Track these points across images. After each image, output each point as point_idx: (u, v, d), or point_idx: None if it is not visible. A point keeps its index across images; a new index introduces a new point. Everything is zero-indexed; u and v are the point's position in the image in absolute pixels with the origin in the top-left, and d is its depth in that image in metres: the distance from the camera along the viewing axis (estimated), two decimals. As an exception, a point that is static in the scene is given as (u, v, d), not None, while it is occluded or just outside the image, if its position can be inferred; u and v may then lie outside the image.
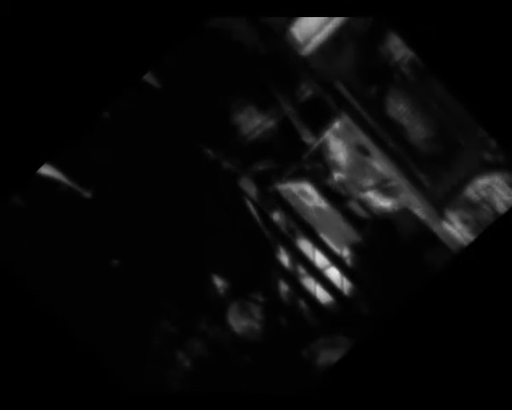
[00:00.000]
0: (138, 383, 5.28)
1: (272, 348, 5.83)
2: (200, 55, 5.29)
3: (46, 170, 5.63)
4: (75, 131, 3.55)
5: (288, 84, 4.92)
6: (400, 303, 3.64)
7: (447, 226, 4.56)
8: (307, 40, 4.46)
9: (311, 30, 4.41)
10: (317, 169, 5.18)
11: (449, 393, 3.39)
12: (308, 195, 5.41)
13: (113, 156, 5.77)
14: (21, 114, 3.46)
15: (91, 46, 3.45)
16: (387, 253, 5.26)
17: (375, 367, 3.50)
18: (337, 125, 4.72)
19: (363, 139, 4.55)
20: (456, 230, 4.53)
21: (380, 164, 4.62)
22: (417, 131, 4.39)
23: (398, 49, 4.09)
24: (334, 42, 4.43)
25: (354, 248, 5.51)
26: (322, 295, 6.03)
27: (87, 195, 5.82)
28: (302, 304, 6.07)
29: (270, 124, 5.30)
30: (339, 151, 4.88)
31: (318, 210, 5.47)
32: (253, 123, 5.37)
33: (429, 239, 4.85)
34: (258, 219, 5.85)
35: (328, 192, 5.26)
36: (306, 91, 4.82)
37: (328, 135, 4.84)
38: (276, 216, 5.89)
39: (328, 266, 5.92)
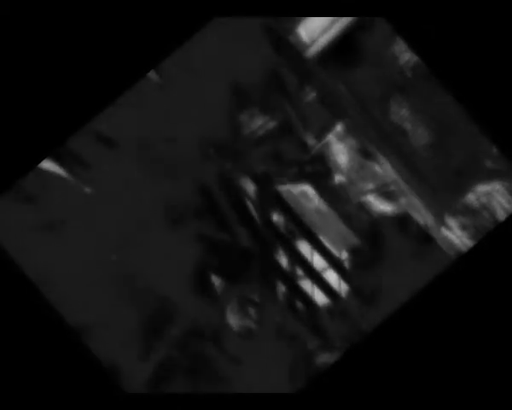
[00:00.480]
0: (137, 383, 5.28)
1: (269, 348, 5.83)
2: (203, 54, 5.30)
3: (47, 164, 5.63)
4: (76, 127, 3.56)
5: (292, 86, 4.92)
6: (398, 308, 3.65)
7: (446, 232, 4.57)
8: (312, 42, 4.47)
9: (315, 32, 4.41)
10: (318, 171, 5.18)
11: (443, 397, 3.40)
12: (308, 196, 5.42)
13: (113, 152, 5.78)
14: (22, 112, 3.47)
15: (94, 44, 3.45)
16: (385, 256, 5.26)
17: (371, 370, 3.50)
18: (339, 127, 4.73)
19: (365, 143, 4.56)
20: (456, 236, 4.54)
21: (381, 168, 4.63)
22: (419, 136, 4.40)
23: (402, 53, 4.10)
24: (339, 44, 4.44)
25: (353, 250, 5.52)
26: (319, 297, 6.04)
27: (87, 190, 5.82)
28: (299, 305, 6.07)
29: (272, 124, 5.30)
30: (340, 154, 4.89)
31: (318, 212, 5.47)
32: (255, 123, 5.37)
33: (428, 244, 4.86)
34: (257, 219, 5.85)
35: (328, 194, 5.26)
36: (310, 93, 4.83)
37: (331, 137, 4.85)
38: (276, 217, 5.89)
39: (326, 269, 5.92)
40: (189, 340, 5.73)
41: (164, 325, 5.74)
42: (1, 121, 3.47)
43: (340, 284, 5.86)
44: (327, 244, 5.76)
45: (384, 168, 4.59)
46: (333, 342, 5.78)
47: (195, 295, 5.92)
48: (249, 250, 5.94)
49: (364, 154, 4.69)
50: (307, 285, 6.09)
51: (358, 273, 5.58)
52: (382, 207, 4.94)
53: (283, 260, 6.08)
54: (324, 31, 4.32)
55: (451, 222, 4.49)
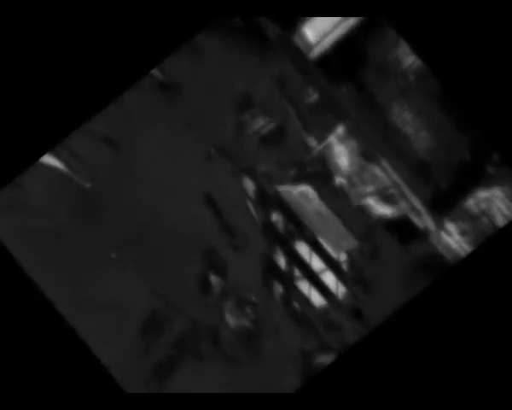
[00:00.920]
0: (136, 383, 5.28)
1: (265, 348, 5.83)
2: (207, 54, 5.30)
3: (48, 159, 5.63)
4: (78, 123, 3.56)
5: (295, 87, 4.93)
6: (395, 311, 3.65)
7: (445, 236, 4.57)
8: (316, 43, 4.48)
9: (320, 33, 4.42)
10: (319, 173, 5.19)
11: (439, 399, 3.40)
12: (308, 198, 5.42)
13: (115, 148, 5.78)
14: (22, 109, 3.47)
15: (94, 43, 3.45)
16: (384, 260, 5.27)
17: (367, 371, 3.51)
18: (341, 129, 4.73)
19: (367, 145, 4.56)
20: (455, 240, 4.54)
21: (381, 171, 4.63)
22: (421, 139, 4.40)
23: (406, 56, 4.11)
24: (343, 47, 4.44)
25: (351, 253, 5.52)
26: (316, 298, 6.04)
27: (87, 185, 5.82)
28: (296, 306, 6.07)
29: (274, 125, 5.31)
30: (341, 156, 4.89)
31: (318, 214, 5.47)
32: (257, 123, 5.37)
33: (427, 248, 4.87)
34: (257, 219, 5.85)
35: (328, 196, 5.27)
36: (312, 94, 4.83)
37: (332, 139, 4.85)
38: (275, 217, 5.90)
39: (324, 270, 5.92)
40: (189, 339, 5.74)
41: (164, 325, 5.74)
42: (2, 118, 3.47)
43: (337, 286, 5.86)
44: (325, 246, 5.77)
45: (385, 171, 4.60)
46: (330, 343, 5.78)
47: (195, 295, 5.92)
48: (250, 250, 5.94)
49: (365, 156, 4.70)
50: (304, 286, 6.09)
51: (356, 276, 5.58)
52: (382, 210, 4.95)
53: (281, 261, 6.08)
54: (328, 32, 4.33)
55: (451, 227, 4.50)
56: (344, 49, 4.45)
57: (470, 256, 3.52)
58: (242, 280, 5.99)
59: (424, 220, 4.63)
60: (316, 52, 4.49)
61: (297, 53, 4.57)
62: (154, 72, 5.46)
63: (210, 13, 3.45)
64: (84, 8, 3.43)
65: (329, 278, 5.92)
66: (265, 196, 5.78)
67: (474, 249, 3.58)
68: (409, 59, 4.13)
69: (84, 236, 5.80)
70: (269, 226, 5.91)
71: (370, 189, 4.88)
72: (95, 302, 5.74)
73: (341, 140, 4.79)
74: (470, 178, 4.33)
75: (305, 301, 6.04)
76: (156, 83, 5.55)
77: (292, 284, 6.06)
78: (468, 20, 3.36)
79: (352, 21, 4.18)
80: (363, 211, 5.13)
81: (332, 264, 5.79)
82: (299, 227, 5.79)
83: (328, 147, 4.94)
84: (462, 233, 4.47)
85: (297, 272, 6.08)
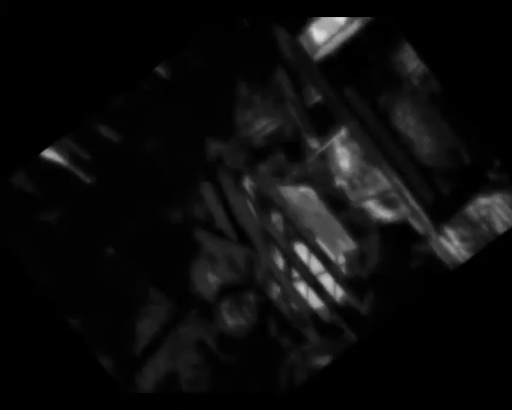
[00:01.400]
0: (134, 383, 5.28)
1: (261, 348, 5.83)
2: (212, 53, 5.30)
3: (49, 153, 5.63)
4: (80, 118, 3.56)
5: (298, 87, 4.93)
6: (391, 314, 3.66)
7: (445, 242, 4.58)
8: (321, 44, 4.48)
9: (324, 36, 4.42)
10: (320, 174, 5.19)
11: (436, 401, 3.41)
12: (309, 199, 5.42)
13: (117, 144, 5.78)
14: (22, 106, 3.47)
15: (95, 43, 3.46)
16: (382, 264, 5.27)
17: (363, 375, 3.51)
18: (343, 132, 4.74)
19: (369, 148, 4.57)
20: (454, 246, 4.54)
21: (383, 174, 4.64)
22: (423, 144, 4.41)
23: (410, 60, 4.11)
24: (347, 49, 4.45)
25: (350, 256, 5.52)
26: (314, 300, 6.04)
27: (88, 180, 5.82)
28: (294, 307, 6.07)
29: (277, 125, 5.31)
30: (343, 158, 4.89)
31: (318, 215, 5.48)
32: (260, 123, 5.38)
33: (426, 254, 4.87)
34: (257, 219, 5.86)
35: (329, 198, 5.27)
36: (315, 96, 4.84)
37: (334, 141, 4.85)
38: (275, 217, 5.90)
39: (322, 272, 5.93)
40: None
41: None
42: (5, 115, 3.48)
43: (335, 289, 5.87)
44: (324, 248, 5.77)
45: (386, 175, 4.60)
46: (325, 345, 5.78)
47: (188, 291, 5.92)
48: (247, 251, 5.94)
49: (367, 159, 4.70)
50: (302, 288, 6.10)
51: (354, 279, 5.58)
52: (382, 213, 4.95)
53: (280, 262, 6.08)
54: (334, 35, 4.34)
55: (450, 233, 4.50)
56: (348, 51, 4.46)
57: (469, 262, 3.53)
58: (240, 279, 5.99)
59: (424, 225, 4.64)
60: (320, 54, 4.49)
61: (301, 53, 4.58)
62: (157, 70, 5.47)
63: (214, 12, 3.46)
64: (85, 9, 3.43)
65: (327, 281, 5.93)
66: (266, 196, 5.78)
67: (473, 256, 3.58)
68: (413, 63, 4.14)
69: (82, 230, 5.81)
70: (268, 226, 5.91)
71: (371, 192, 4.88)
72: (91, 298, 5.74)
73: (344, 142, 4.79)
74: (471, 184, 4.33)
75: (303, 302, 6.05)
76: (158, 81, 5.56)
77: (290, 285, 6.07)
78: (473, 27, 3.37)
79: (357, 24, 4.19)
80: (364, 214, 5.13)
81: (330, 266, 5.79)
82: (298, 228, 5.79)
83: (330, 149, 4.95)
84: (462, 239, 4.47)
85: (295, 274, 6.09)
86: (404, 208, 4.70)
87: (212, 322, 5.88)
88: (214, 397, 3.55)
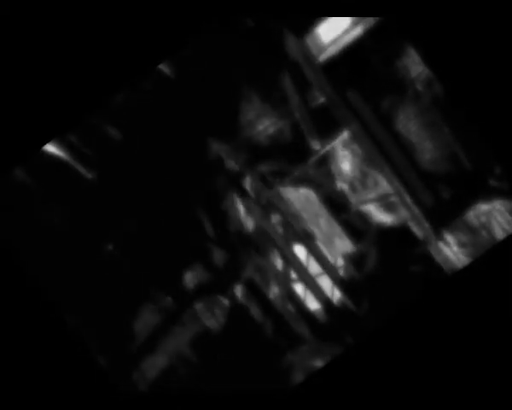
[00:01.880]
0: (132, 382, 5.28)
1: (257, 348, 5.83)
2: (216, 52, 5.31)
3: (51, 148, 5.63)
4: (83, 114, 3.57)
5: (302, 89, 4.94)
6: (388, 318, 3.66)
7: (444, 247, 4.58)
8: (325, 47, 4.49)
9: (328, 38, 4.43)
10: (321, 176, 5.20)
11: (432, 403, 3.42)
12: (309, 201, 5.43)
13: (118, 141, 5.78)
14: (26, 103, 3.47)
15: (97, 41, 3.46)
16: (380, 267, 5.27)
17: (359, 378, 3.52)
18: (346, 134, 4.74)
19: (370, 152, 4.57)
20: (452, 252, 4.55)
21: (384, 178, 4.64)
22: (424, 149, 4.42)
23: (415, 65, 4.12)
24: (352, 52, 4.45)
25: (348, 259, 5.52)
26: (311, 302, 6.04)
27: (89, 176, 5.81)
28: (290, 308, 6.07)
29: (279, 126, 5.31)
30: (344, 161, 4.90)
31: (317, 217, 5.48)
32: (262, 123, 5.38)
33: (424, 258, 4.88)
34: (256, 219, 5.86)
35: (329, 200, 5.27)
36: (319, 97, 4.84)
37: (336, 143, 4.86)
38: (275, 218, 5.90)
39: (320, 274, 5.93)
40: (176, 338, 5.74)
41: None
42: (7, 111, 3.48)
43: (332, 291, 5.87)
44: (323, 250, 5.77)
45: (387, 179, 4.61)
46: (320, 347, 5.78)
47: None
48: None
49: (368, 162, 4.71)
50: (300, 289, 6.10)
51: (352, 281, 5.59)
52: (382, 217, 4.96)
53: (278, 262, 6.08)
54: (339, 37, 4.34)
55: (450, 238, 4.51)
56: (353, 54, 4.47)
57: (467, 268, 3.53)
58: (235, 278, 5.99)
59: (424, 230, 4.64)
60: (325, 56, 4.50)
61: (306, 55, 4.58)
62: (159, 68, 5.47)
63: (214, 12, 3.46)
64: (86, 6, 3.44)
65: (325, 283, 5.93)
66: (266, 196, 5.78)
67: (472, 262, 3.59)
68: (417, 68, 4.15)
69: (83, 226, 5.80)
70: (268, 227, 5.91)
71: (372, 195, 4.89)
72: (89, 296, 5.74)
73: (345, 145, 4.80)
74: (471, 190, 4.34)
75: (300, 303, 6.05)
76: (160, 79, 5.56)
77: (287, 286, 6.07)
78: (477, 33, 3.37)
79: (362, 28, 4.19)
80: (363, 217, 5.14)
81: (328, 268, 5.80)
82: (298, 230, 5.79)
83: (332, 151, 4.95)
84: (461, 245, 4.48)
85: (293, 275, 6.09)
86: (403, 212, 4.71)
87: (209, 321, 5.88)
88: (213, 397, 3.55)
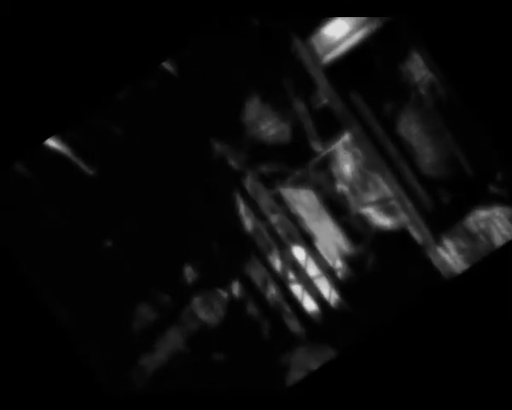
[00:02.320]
0: (129, 382, 5.28)
1: (252, 347, 5.83)
2: (220, 52, 5.31)
3: (53, 142, 5.63)
4: (85, 110, 3.57)
5: (305, 90, 4.94)
6: (386, 322, 3.67)
7: (442, 252, 4.59)
8: (329, 49, 4.49)
9: (333, 40, 4.43)
10: (322, 178, 5.20)
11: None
12: (309, 202, 5.43)
13: (120, 139, 5.78)
14: (28, 100, 3.48)
15: (98, 40, 3.47)
16: (378, 270, 5.28)
17: (354, 380, 3.52)
18: (347, 137, 4.75)
19: (372, 154, 4.58)
20: (451, 257, 4.56)
21: (384, 181, 4.65)
22: (426, 154, 4.43)
23: (419, 69, 4.13)
24: (356, 55, 4.46)
25: (347, 261, 5.53)
26: (308, 303, 6.05)
27: (90, 172, 5.82)
28: (287, 309, 6.08)
29: (281, 127, 5.32)
30: (345, 163, 4.91)
31: (317, 219, 5.49)
32: (264, 124, 5.38)
33: (423, 263, 4.89)
34: (255, 219, 5.86)
35: (329, 202, 5.28)
36: (322, 99, 4.85)
37: (338, 146, 4.87)
38: (275, 219, 5.90)
39: (318, 276, 5.94)
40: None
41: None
42: (6, 109, 3.48)
43: (330, 293, 5.87)
44: (322, 252, 5.78)
45: (387, 182, 4.62)
46: (316, 349, 5.79)
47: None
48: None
49: (369, 166, 4.72)
50: (297, 290, 6.11)
51: (350, 284, 5.59)
52: (382, 220, 4.96)
53: (276, 263, 6.09)
54: (342, 39, 4.35)
55: (449, 243, 4.52)
56: (356, 57, 4.47)
57: (465, 274, 3.54)
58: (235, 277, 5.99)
59: (423, 234, 4.65)
60: (328, 58, 4.51)
61: (309, 57, 4.59)
62: (162, 66, 5.47)
63: (218, 12, 3.46)
64: (86, 5, 3.44)
65: (323, 285, 5.94)
66: (266, 197, 5.79)
67: (470, 267, 3.59)
68: (421, 72, 4.15)
69: (83, 222, 5.80)
70: (267, 227, 5.92)
71: (371, 198, 4.89)
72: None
73: (347, 147, 4.81)
74: (472, 196, 4.35)
75: (297, 304, 6.05)
76: (163, 77, 5.57)
77: (285, 287, 6.07)
78: (486, 36, 3.38)
79: (366, 30, 4.20)
80: (363, 220, 5.14)
81: (327, 270, 5.80)
82: (297, 231, 5.80)
83: (333, 153, 4.96)
84: (459, 250, 4.48)
85: (291, 276, 6.09)
86: (403, 216, 4.72)
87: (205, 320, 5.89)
88: (215, 397, 3.55)
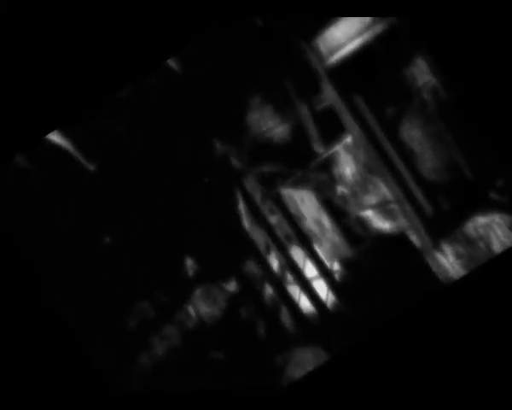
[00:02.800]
0: (129, 382, 5.27)
1: (250, 347, 5.83)
2: (223, 52, 5.32)
3: (54, 137, 5.63)
4: (87, 107, 3.57)
5: (307, 92, 4.95)
6: (383, 326, 3.67)
7: (440, 257, 4.60)
8: (332, 51, 4.50)
9: (337, 42, 4.44)
10: (322, 180, 5.21)
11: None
12: (309, 203, 5.44)
13: (121, 137, 5.78)
14: (29, 98, 3.48)
15: (99, 39, 3.47)
16: (376, 273, 5.29)
17: (351, 383, 3.52)
18: (349, 139, 4.76)
19: (373, 157, 4.59)
20: (449, 262, 4.57)
21: (384, 185, 4.66)
22: (427, 158, 4.43)
23: (422, 73, 4.13)
24: (359, 57, 4.47)
25: (345, 263, 5.54)
26: (305, 304, 6.05)
27: (91, 168, 5.82)
28: (284, 310, 6.08)
29: (283, 128, 5.32)
30: (346, 165, 4.91)
31: (316, 220, 5.49)
32: (266, 124, 5.38)
33: (421, 267, 4.89)
34: (255, 220, 5.86)
35: (329, 204, 5.29)
36: (324, 101, 4.85)
37: (339, 148, 4.87)
38: (274, 219, 5.91)
39: (316, 278, 5.94)
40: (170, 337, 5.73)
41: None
42: (11, 106, 3.48)
43: (327, 295, 5.88)
44: (320, 254, 5.79)
45: (388, 185, 4.62)
46: (313, 350, 5.79)
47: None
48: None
49: (370, 168, 4.72)
50: (295, 291, 6.11)
51: (348, 286, 5.60)
52: (381, 223, 4.97)
53: (274, 263, 6.09)
54: (346, 42, 4.35)
55: (447, 248, 4.52)
56: (360, 60, 4.48)
57: (463, 279, 3.55)
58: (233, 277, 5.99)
59: (421, 239, 4.66)
60: (332, 60, 4.51)
61: (313, 58, 4.59)
62: (165, 64, 5.48)
63: (218, 12, 3.46)
64: (86, 5, 3.44)
65: (320, 286, 5.94)
66: (266, 197, 5.79)
67: (468, 273, 3.60)
68: (424, 77, 4.16)
69: (82, 219, 5.80)
70: (267, 228, 5.92)
71: (371, 201, 4.90)
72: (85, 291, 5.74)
73: (348, 150, 4.81)
74: (471, 202, 4.36)
75: (294, 305, 6.06)
76: (165, 75, 5.57)
77: (282, 288, 6.08)
78: (485, 44, 3.39)
79: (370, 34, 4.21)
80: (362, 222, 5.15)
81: (324, 272, 5.81)
82: (296, 232, 5.81)
83: (335, 155, 4.97)
84: (458, 256, 4.49)
85: (289, 276, 6.10)
86: (402, 220, 4.72)
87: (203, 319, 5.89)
88: (215, 397, 3.55)
